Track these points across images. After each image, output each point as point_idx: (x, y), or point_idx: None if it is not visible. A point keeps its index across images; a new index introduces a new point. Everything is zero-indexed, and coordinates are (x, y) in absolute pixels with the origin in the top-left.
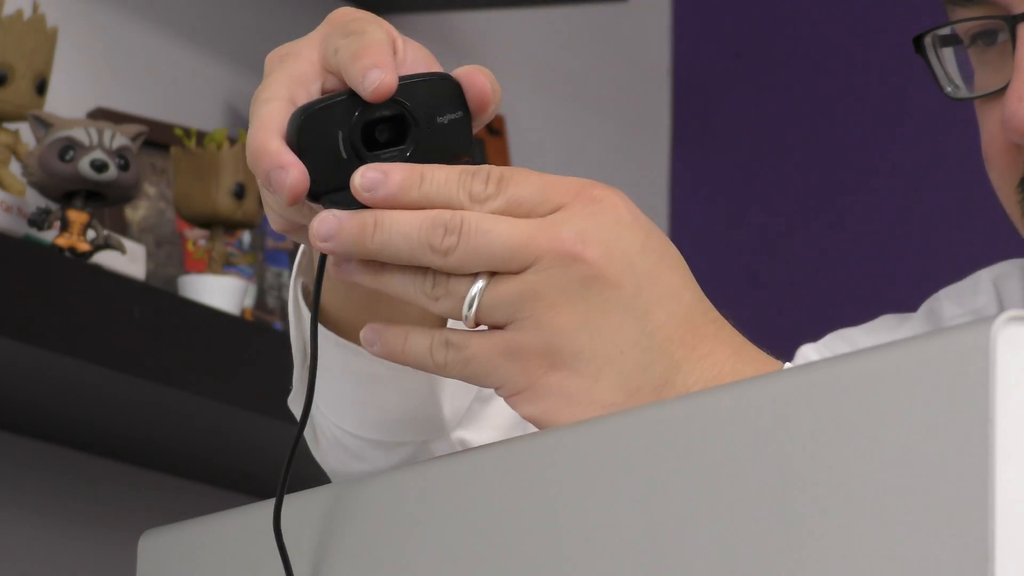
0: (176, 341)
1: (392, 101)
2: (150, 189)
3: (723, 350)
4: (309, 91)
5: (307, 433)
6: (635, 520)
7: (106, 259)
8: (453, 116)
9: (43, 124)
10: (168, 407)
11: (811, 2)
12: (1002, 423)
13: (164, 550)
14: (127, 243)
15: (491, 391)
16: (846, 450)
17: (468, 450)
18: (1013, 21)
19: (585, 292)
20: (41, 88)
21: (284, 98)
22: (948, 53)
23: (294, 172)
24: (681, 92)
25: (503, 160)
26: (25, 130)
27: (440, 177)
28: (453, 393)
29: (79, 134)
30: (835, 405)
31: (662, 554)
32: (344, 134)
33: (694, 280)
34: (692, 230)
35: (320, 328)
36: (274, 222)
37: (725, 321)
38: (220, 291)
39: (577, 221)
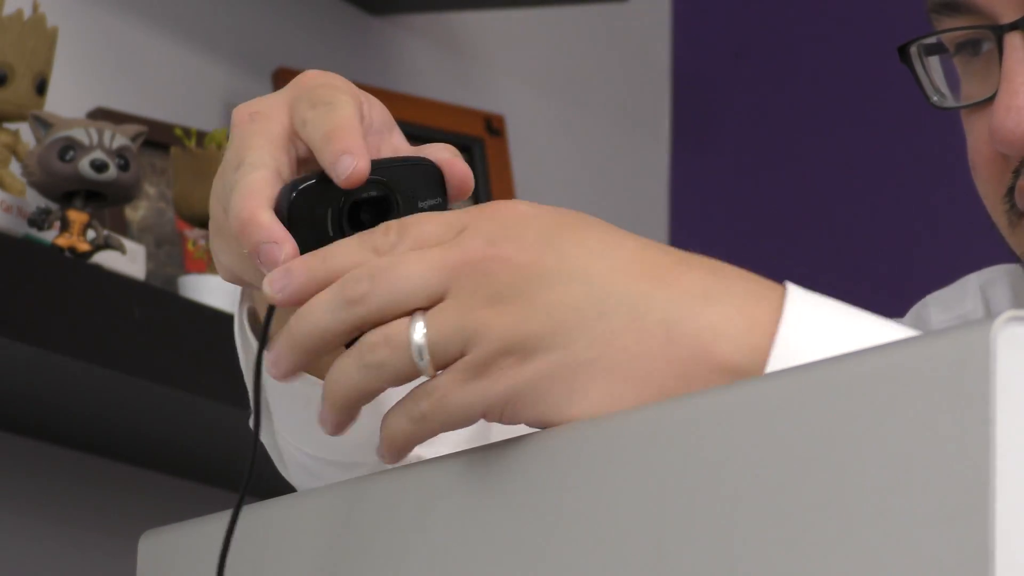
0: (176, 341)
1: (378, 183)
2: (150, 189)
3: (695, 273)
4: (289, 157)
5: (274, 455)
6: (632, 521)
7: (106, 259)
8: (433, 202)
9: (43, 124)
10: (168, 407)
11: (811, 2)
12: (1002, 423)
13: (164, 550)
14: (127, 243)
15: None
16: (846, 450)
17: (449, 455)
18: (999, 31)
19: (514, 285)
20: (41, 88)
21: (270, 166)
22: (934, 62)
23: (287, 248)
24: (681, 92)
25: (503, 160)
26: (25, 130)
27: (341, 248)
28: None
29: (79, 134)
30: (835, 405)
31: (661, 555)
32: (332, 213)
33: (637, 237)
34: (692, 230)
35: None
36: (222, 272)
37: (693, 255)
38: (220, 291)
39: (480, 231)
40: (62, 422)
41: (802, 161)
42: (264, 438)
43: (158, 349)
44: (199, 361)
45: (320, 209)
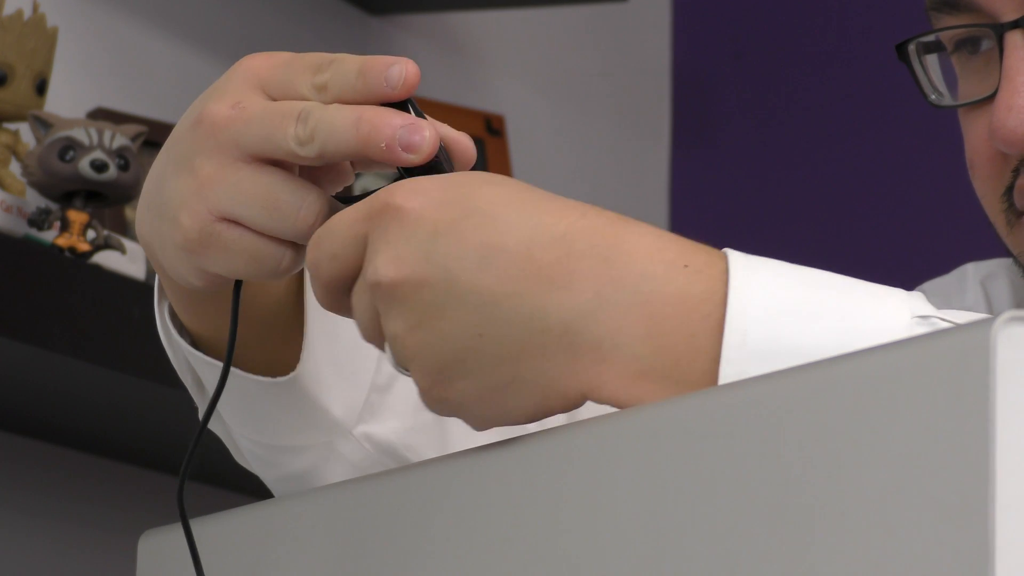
0: None
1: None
2: None
3: (584, 266)
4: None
5: (228, 444)
6: (633, 522)
7: (106, 259)
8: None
9: (43, 124)
10: (169, 407)
11: (811, 2)
12: (1002, 423)
13: (164, 550)
14: (127, 243)
15: (387, 380)
16: (846, 450)
17: (449, 455)
18: (1000, 29)
19: (405, 308)
20: (41, 88)
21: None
22: (932, 60)
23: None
24: (681, 92)
25: (503, 160)
26: (25, 130)
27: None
28: (342, 392)
29: (79, 134)
30: (835, 405)
31: (661, 555)
32: None
33: (524, 214)
34: (692, 230)
35: (194, 352)
36: (199, 279)
37: (580, 233)
38: None
39: (373, 251)
40: (62, 422)
41: (802, 161)
42: (217, 428)
43: (158, 349)
44: None
45: None
